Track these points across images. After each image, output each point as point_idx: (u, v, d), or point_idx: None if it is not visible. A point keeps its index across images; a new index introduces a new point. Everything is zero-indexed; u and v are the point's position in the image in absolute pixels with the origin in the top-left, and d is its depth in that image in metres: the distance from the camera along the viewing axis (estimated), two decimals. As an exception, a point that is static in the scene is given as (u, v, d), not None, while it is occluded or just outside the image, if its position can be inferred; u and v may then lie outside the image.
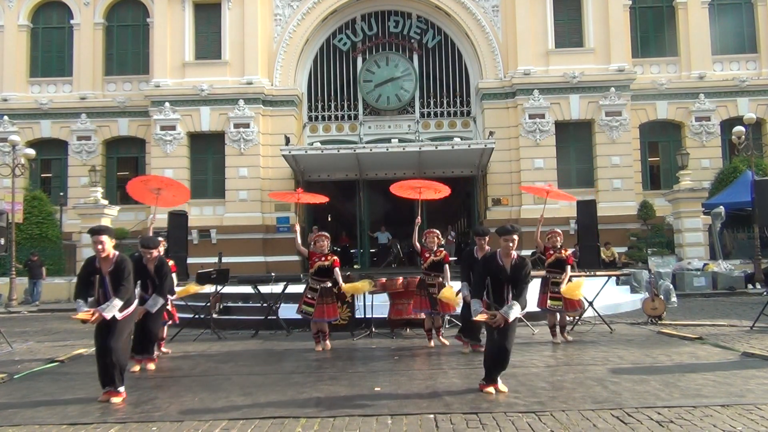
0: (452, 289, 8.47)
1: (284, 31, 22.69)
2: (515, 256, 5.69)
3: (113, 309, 5.64)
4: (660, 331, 9.66)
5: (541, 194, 10.93)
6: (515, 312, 5.52)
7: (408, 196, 10.09)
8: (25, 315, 16.48)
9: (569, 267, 9.02)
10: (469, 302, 6.79)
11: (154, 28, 22.77)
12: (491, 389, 5.63)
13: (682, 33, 22.93)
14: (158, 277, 7.18)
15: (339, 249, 26.26)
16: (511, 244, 5.64)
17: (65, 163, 23.65)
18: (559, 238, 8.97)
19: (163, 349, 8.49)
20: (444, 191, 10.02)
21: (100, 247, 5.69)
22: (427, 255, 8.79)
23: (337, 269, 8.71)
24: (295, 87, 22.77)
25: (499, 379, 5.73)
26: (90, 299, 5.75)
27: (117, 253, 5.86)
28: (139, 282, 7.02)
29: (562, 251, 8.96)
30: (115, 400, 5.63)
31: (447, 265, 8.79)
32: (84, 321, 5.62)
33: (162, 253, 7.55)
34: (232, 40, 22.36)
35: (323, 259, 8.68)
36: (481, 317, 5.60)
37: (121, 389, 5.72)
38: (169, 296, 7.78)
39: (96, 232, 5.76)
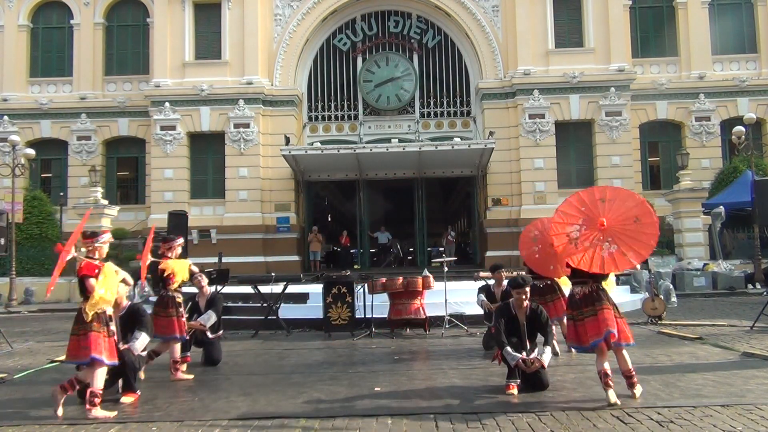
0: None
1: (284, 31, 22.66)
2: (528, 306, 5.96)
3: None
4: (660, 331, 9.65)
5: None
6: (548, 356, 5.79)
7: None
8: (25, 315, 16.49)
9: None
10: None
11: (154, 28, 22.75)
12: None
13: (682, 33, 22.90)
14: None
15: (339, 249, 26.30)
16: (523, 296, 5.89)
17: (65, 163, 23.62)
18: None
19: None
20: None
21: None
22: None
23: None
24: (295, 87, 22.75)
25: None
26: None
27: (129, 302, 6.27)
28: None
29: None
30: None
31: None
32: None
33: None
34: (232, 40, 22.33)
35: None
36: (521, 363, 5.66)
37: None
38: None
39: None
